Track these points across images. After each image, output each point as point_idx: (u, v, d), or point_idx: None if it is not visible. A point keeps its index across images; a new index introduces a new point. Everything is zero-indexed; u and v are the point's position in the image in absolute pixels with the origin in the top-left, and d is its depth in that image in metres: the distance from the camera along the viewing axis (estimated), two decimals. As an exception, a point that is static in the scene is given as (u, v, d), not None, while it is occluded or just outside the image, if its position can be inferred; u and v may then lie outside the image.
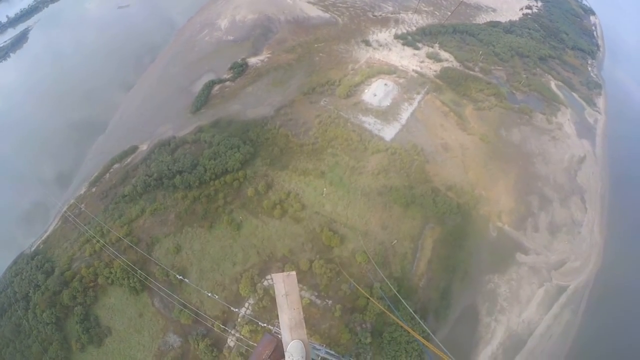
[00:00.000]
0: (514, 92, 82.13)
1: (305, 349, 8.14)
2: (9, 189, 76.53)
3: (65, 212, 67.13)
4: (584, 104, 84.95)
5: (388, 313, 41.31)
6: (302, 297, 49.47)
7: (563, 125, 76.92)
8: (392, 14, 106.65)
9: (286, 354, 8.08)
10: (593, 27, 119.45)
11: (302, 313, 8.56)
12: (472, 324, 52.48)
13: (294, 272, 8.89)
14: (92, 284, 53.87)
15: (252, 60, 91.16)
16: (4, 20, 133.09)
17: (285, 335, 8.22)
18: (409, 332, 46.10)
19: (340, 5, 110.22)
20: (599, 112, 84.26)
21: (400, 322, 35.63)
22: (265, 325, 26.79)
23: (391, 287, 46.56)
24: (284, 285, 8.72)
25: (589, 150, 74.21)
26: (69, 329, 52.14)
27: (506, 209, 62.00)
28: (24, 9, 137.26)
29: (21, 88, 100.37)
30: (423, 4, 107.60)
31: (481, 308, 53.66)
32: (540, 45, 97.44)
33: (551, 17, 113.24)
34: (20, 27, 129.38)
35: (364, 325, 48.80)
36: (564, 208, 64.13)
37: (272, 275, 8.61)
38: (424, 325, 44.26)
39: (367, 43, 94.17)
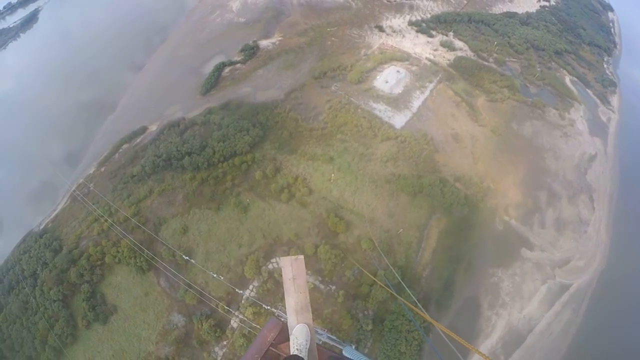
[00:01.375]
0: (528, 85, 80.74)
1: (310, 333, 8.14)
2: (18, 168, 77.27)
3: (74, 191, 67.69)
4: (597, 101, 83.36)
5: (397, 296, 41.44)
6: (306, 282, 49.77)
7: (575, 122, 75.68)
8: (406, 0, 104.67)
9: (291, 337, 8.08)
10: (611, 24, 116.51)
11: (308, 297, 8.52)
12: (473, 316, 52.58)
13: (301, 256, 8.78)
14: (99, 263, 54.60)
15: (264, 43, 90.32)
16: (14, 0, 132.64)
17: (291, 318, 8.18)
18: (409, 322, 46.55)
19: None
20: (613, 111, 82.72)
21: (409, 305, 35.72)
22: (268, 307, 27.00)
23: (395, 274, 46.67)
24: (292, 269, 8.64)
25: (600, 148, 73.09)
26: (75, 307, 53.00)
27: (514, 202, 61.54)
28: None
29: (31, 68, 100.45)
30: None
31: (483, 301, 53.70)
32: (556, 39, 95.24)
33: (569, 11, 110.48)
34: (31, 8, 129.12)
35: (366, 312, 49.24)
36: (571, 205, 63.49)
37: (280, 258, 8.55)
38: (425, 315, 44.37)
39: (381, 29, 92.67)
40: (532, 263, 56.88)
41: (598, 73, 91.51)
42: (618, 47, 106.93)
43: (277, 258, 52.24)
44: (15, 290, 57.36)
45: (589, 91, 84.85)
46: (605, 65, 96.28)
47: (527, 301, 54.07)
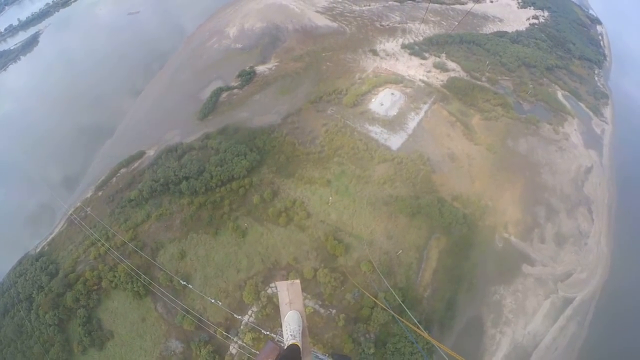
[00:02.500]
0: (521, 102, 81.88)
1: (302, 319, 8.20)
2: (16, 190, 77.49)
3: (71, 214, 67.65)
4: (590, 113, 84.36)
5: (397, 317, 40.87)
6: (305, 306, 49.29)
7: (570, 136, 76.39)
8: (399, 23, 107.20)
9: (283, 324, 8.15)
10: (600, 37, 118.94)
11: (305, 321, 8.56)
12: (477, 336, 51.86)
13: (298, 281, 8.87)
14: (95, 287, 54.26)
15: (260, 68, 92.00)
16: (16, 23, 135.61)
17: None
18: (412, 344, 45.84)
19: (348, 15, 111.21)
20: (606, 122, 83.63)
21: (410, 326, 35.15)
22: (268, 333, 26.71)
23: (396, 296, 46.27)
24: (288, 294, 8.72)
25: (595, 160, 73.57)
26: (71, 331, 52.40)
27: (512, 219, 61.51)
28: (35, 12, 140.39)
29: (31, 91, 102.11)
30: (430, 14, 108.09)
31: (486, 319, 53.05)
32: (547, 55, 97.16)
33: (558, 26, 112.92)
34: (31, 31, 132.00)
35: (367, 335, 48.50)
36: (570, 219, 63.47)
37: (277, 283, 8.62)
38: (428, 336, 43.82)
39: (375, 52, 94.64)
40: (534, 278, 56.46)
41: (590, 86, 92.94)
42: (608, 59, 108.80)
43: (276, 283, 51.74)
44: (10, 313, 56.88)
45: (581, 104, 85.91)
46: (596, 78, 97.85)
47: (531, 317, 53.46)
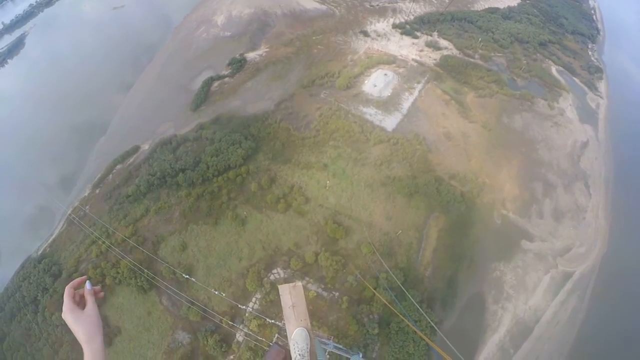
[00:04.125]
0: (515, 78, 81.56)
1: (309, 336, 8.15)
2: (13, 194, 76.66)
3: (70, 215, 67.34)
4: (585, 88, 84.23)
5: (392, 308, 41.32)
6: (308, 290, 49.73)
7: (565, 111, 76.39)
8: (389, 3, 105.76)
9: (291, 343, 8.09)
10: (592, 11, 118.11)
11: (309, 324, 8.51)
12: (479, 312, 52.42)
13: (300, 284, 8.82)
14: (99, 285, 54.13)
15: (250, 55, 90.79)
16: (0, 27, 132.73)
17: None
18: (415, 322, 46.49)
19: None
20: (601, 97, 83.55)
21: (403, 317, 35.57)
22: (272, 321, 26.81)
23: (395, 279, 46.66)
24: (291, 297, 8.65)
25: (591, 135, 73.70)
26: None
27: (510, 196, 61.80)
28: (19, 14, 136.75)
29: (20, 93, 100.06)
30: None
31: (488, 296, 53.60)
32: (539, 31, 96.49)
33: (550, 1, 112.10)
34: (17, 33, 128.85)
35: (371, 316, 48.99)
36: (568, 194, 63.81)
37: (279, 286, 8.57)
38: (428, 318, 44.39)
39: (365, 33, 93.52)
40: (533, 254, 56.95)
41: (583, 61, 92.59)
42: (601, 33, 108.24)
43: (278, 269, 52.10)
44: (17, 318, 56.80)
45: (575, 79, 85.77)
46: (590, 53, 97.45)
47: (532, 292, 54.02)
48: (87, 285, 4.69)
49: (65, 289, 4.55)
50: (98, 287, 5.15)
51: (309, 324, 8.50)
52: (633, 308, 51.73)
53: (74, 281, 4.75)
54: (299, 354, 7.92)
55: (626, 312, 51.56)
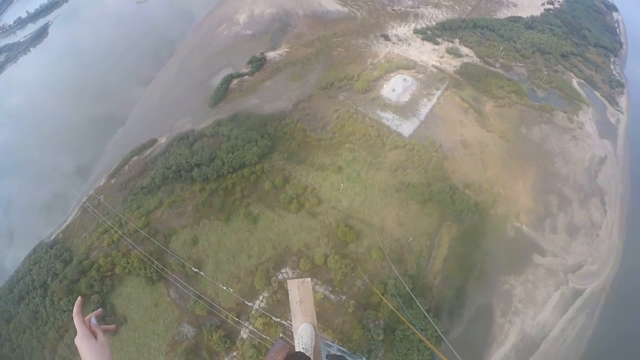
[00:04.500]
0: (535, 89, 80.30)
1: (314, 332, 8.20)
2: (30, 180, 78.60)
3: (84, 203, 68.63)
4: (606, 102, 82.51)
5: (399, 314, 41.10)
6: (316, 292, 49.75)
7: (584, 125, 74.98)
8: (411, 8, 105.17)
9: (295, 337, 8.16)
10: (616, 24, 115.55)
11: (316, 320, 8.52)
12: (486, 325, 51.88)
13: (309, 279, 8.80)
14: (109, 274, 55.15)
15: (271, 55, 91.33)
16: (24, 15, 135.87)
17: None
18: (420, 331, 46.19)
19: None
20: (621, 112, 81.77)
21: (409, 324, 35.36)
22: (278, 320, 26.89)
23: (405, 285, 46.47)
24: (299, 292, 8.67)
25: (610, 150, 72.20)
26: (85, 317, 53.20)
27: (525, 208, 60.92)
28: (43, 4, 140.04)
29: (41, 82, 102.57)
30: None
31: (496, 309, 52.99)
32: (562, 42, 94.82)
33: (573, 13, 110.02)
34: (40, 22, 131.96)
35: (377, 322, 48.83)
36: (583, 209, 62.63)
37: (287, 281, 8.59)
38: (436, 326, 44.05)
39: (386, 37, 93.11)
40: (544, 269, 56.08)
41: (605, 74, 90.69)
42: (624, 47, 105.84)
43: (287, 269, 52.28)
44: (25, 300, 58.11)
45: (596, 93, 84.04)
46: (612, 66, 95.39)
47: (540, 308, 53.24)
48: (93, 320, 4.84)
49: (76, 315, 4.71)
50: (113, 326, 5.33)
51: (315, 321, 8.53)
52: (641, 329, 50.55)
53: (89, 315, 4.90)
54: (302, 348, 7.97)
55: (635, 333, 50.38)
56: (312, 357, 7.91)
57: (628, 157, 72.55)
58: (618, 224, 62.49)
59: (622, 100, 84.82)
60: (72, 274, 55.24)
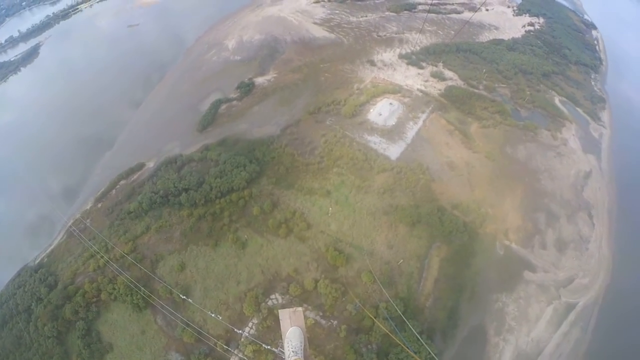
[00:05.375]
0: (519, 109, 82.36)
1: (303, 335, 8.20)
2: (16, 201, 77.43)
3: (70, 226, 67.59)
4: (588, 118, 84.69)
5: (393, 337, 40.66)
6: (306, 318, 48.97)
7: (568, 141, 76.66)
8: (396, 34, 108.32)
9: (285, 340, 8.15)
10: (595, 42, 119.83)
11: (309, 349, 8.54)
12: (480, 344, 51.34)
13: (300, 309, 8.90)
14: (94, 300, 53.96)
15: (259, 80, 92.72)
16: (16, 34, 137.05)
17: None
18: (414, 354, 45.49)
19: (346, 26, 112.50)
20: (604, 126, 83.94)
21: (404, 347, 34.98)
22: (268, 347, 26.36)
23: (396, 308, 45.99)
24: (291, 322, 8.70)
25: (594, 165, 73.69)
26: (70, 344, 51.97)
27: (513, 226, 61.38)
28: (35, 24, 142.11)
29: (31, 102, 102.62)
30: (427, 24, 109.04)
31: (489, 327, 52.58)
32: (543, 62, 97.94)
33: (553, 33, 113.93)
34: (32, 42, 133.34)
35: (369, 346, 48.06)
36: (571, 224, 63.35)
37: (279, 311, 8.63)
38: (429, 348, 43.45)
39: (372, 63, 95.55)
40: (535, 285, 56.16)
41: (586, 91, 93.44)
42: (604, 63, 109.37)
43: (276, 294, 51.58)
44: (9, 325, 56.39)
45: (579, 109, 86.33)
46: (593, 83, 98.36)
47: (534, 324, 53.05)
48: None
49: None
50: None
51: (308, 349, 8.53)
52: (636, 339, 50.56)
53: None
54: (292, 351, 7.98)
55: (629, 344, 50.48)
56: (302, 359, 7.94)
57: (613, 170, 74.10)
58: (607, 236, 63.24)
59: (605, 115, 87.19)
60: (57, 299, 53.98)
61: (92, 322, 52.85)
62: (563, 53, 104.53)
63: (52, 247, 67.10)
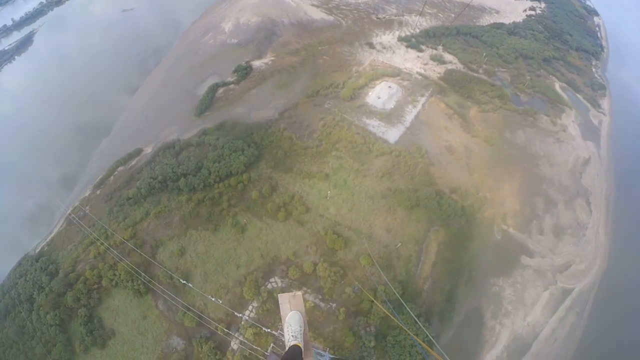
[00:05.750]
0: (518, 94, 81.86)
1: (303, 320, 8.22)
2: (14, 191, 77.06)
3: (69, 214, 67.40)
4: (588, 105, 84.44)
5: (392, 316, 41.21)
6: (306, 300, 49.44)
7: (567, 127, 76.52)
8: (395, 16, 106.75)
9: (285, 326, 8.16)
10: (597, 28, 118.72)
11: (308, 334, 8.52)
12: (476, 327, 52.20)
13: (299, 293, 8.84)
14: (96, 286, 54.11)
15: (256, 63, 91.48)
16: (9, 23, 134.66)
17: None
18: (415, 334, 46.18)
19: (344, 7, 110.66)
20: (604, 114, 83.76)
21: (403, 327, 35.47)
22: (269, 330, 26.55)
23: (394, 291, 46.41)
24: (290, 306, 8.66)
25: (593, 152, 73.77)
26: (72, 331, 52.34)
27: (511, 211, 61.70)
28: (29, 12, 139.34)
29: (27, 91, 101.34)
30: (427, 6, 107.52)
31: (486, 311, 53.39)
32: (544, 47, 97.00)
33: (555, 18, 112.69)
34: (26, 30, 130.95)
35: (368, 329, 48.66)
36: (568, 210, 63.72)
37: (279, 295, 8.60)
38: (426, 331, 44.08)
39: (371, 45, 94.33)
40: (532, 270, 56.78)
41: (587, 77, 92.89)
42: (605, 50, 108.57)
43: (276, 278, 51.91)
44: (11, 315, 56.67)
45: (579, 96, 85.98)
46: (593, 69, 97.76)
47: (530, 308, 53.84)
48: None
49: None
50: None
51: (308, 334, 8.54)
52: (632, 325, 51.44)
53: None
54: (292, 335, 8.01)
55: (625, 330, 51.31)
56: (301, 343, 7.93)
57: (612, 157, 74.30)
58: (604, 223, 63.81)
59: (605, 102, 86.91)
60: (58, 287, 54.06)
61: (94, 308, 53.16)
62: (564, 39, 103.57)
63: (52, 235, 67.06)
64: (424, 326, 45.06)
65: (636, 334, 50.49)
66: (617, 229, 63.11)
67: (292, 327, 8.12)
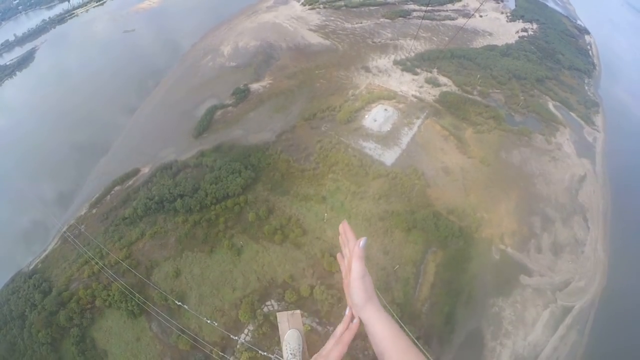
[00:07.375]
0: (513, 114, 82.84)
1: (302, 338, 8.16)
2: (9, 206, 76.61)
3: (64, 232, 67.05)
4: (582, 122, 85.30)
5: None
6: (303, 324, 48.70)
7: (562, 145, 77.21)
8: (391, 40, 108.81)
9: (283, 343, 8.11)
10: (588, 46, 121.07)
11: (307, 353, 8.51)
12: (477, 349, 51.26)
13: (298, 311, 8.81)
14: (89, 306, 53.36)
15: (254, 86, 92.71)
16: (12, 38, 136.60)
17: None
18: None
19: (341, 32, 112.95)
20: (598, 130, 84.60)
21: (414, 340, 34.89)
22: (265, 353, 26.16)
23: (393, 313, 45.90)
24: (289, 325, 8.66)
25: (589, 168, 74.15)
26: (64, 351, 51.34)
27: (508, 230, 61.57)
28: (31, 28, 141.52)
29: (26, 106, 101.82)
30: (421, 30, 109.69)
31: (486, 332, 52.53)
32: (537, 67, 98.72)
33: (547, 38, 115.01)
34: (28, 47, 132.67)
35: (366, 352, 47.76)
36: (566, 228, 63.61)
37: (277, 313, 8.59)
38: (426, 354, 43.23)
39: (367, 69, 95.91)
40: (532, 289, 56.19)
41: (580, 95, 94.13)
42: (597, 68, 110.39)
43: (272, 301, 51.37)
44: (2, 332, 55.68)
45: (572, 114, 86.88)
46: (586, 87, 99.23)
47: (531, 328, 52.98)
48: (363, 242, 4.61)
49: (359, 252, 4.41)
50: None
51: (307, 353, 8.47)
52: (634, 340, 50.67)
53: (360, 241, 4.49)
54: (291, 353, 7.90)
55: (627, 346, 50.51)
56: None
57: (607, 174, 74.52)
58: (602, 239, 63.52)
59: (598, 119, 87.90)
60: (51, 305, 53.30)
61: (87, 328, 52.20)
62: (556, 58, 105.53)
63: (46, 252, 66.39)
64: (423, 348, 44.39)
65: (638, 349, 49.75)
66: (615, 245, 62.81)
67: (290, 345, 8.09)
